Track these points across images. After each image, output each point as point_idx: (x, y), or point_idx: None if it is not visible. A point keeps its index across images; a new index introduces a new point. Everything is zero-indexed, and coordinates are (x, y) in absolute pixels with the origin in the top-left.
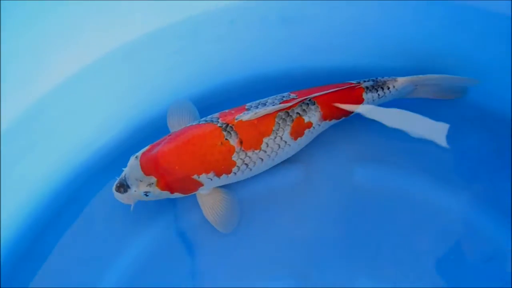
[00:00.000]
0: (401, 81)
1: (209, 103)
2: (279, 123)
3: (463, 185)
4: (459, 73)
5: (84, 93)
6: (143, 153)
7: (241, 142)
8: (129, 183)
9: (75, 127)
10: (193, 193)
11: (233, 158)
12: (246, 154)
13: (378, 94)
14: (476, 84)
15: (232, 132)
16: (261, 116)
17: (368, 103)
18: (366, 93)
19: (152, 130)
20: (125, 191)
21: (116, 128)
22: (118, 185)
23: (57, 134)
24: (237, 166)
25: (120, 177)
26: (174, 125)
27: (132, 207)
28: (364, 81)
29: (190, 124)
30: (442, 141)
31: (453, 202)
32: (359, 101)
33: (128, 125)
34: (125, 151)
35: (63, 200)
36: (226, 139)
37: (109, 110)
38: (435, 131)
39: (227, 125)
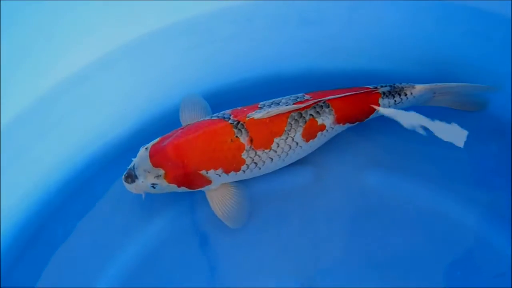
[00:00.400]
0: (419, 88)
1: (222, 100)
2: (291, 124)
3: (475, 196)
4: (478, 82)
5: (98, 84)
6: (153, 145)
7: (251, 141)
8: (137, 173)
9: (89, 117)
10: (200, 189)
11: (242, 156)
12: (256, 153)
13: (395, 100)
14: (496, 95)
15: (243, 130)
16: (273, 116)
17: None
18: (383, 98)
19: (165, 124)
20: (133, 181)
21: (129, 120)
22: (126, 175)
23: (70, 123)
24: (246, 164)
25: (129, 167)
26: (186, 119)
27: (143, 196)
28: (381, 86)
29: (202, 119)
30: (459, 143)
31: (465, 214)
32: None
33: (141, 117)
34: (137, 143)
35: (74, 188)
36: (236, 136)
37: (122, 102)
38: (453, 134)
39: (238, 122)
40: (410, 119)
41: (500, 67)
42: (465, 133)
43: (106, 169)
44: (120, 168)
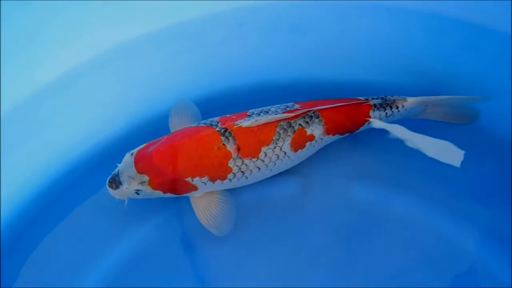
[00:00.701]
0: (410, 101)
1: (213, 107)
2: (279, 133)
3: (463, 210)
4: (470, 95)
5: (86, 86)
6: (139, 151)
7: (238, 149)
8: (121, 179)
9: (76, 119)
10: (185, 195)
11: (229, 164)
12: (243, 161)
13: (386, 113)
14: (487, 109)
15: (230, 138)
16: (262, 124)
17: None
18: (374, 111)
19: (153, 129)
20: (117, 187)
21: (116, 124)
22: (111, 180)
23: (57, 124)
24: (233, 173)
25: (114, 172)
26: (175, 126)
27: (126, 203)
28: (373, 99)
29: (190, 125)
30: (456, 162)
31: (454, 228)
32: (366, 118)
33: (129, 122)
34: (125, 147)
35: (59, 190)
36: (223, 144)
37: (110, 105)
38: (448, 153)
39: (226, 130)
40: (401, 135)
41: (492, 80)
42: (461, 152)
43: (92, 172)
44: (107, 172)
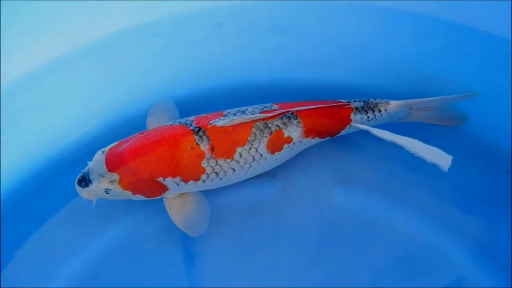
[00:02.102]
0: (394, 104)
1: (193, 107)
2: (255, 134)
3: (443, 216)
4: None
5: (59, 82)
6: (110, 149)
7: (212, 149)
8: (91, 177)
9: (48, 117)
10: (157, 198)
11: (202, 165)
12: (216, 162)
13: (368, 116)
14: (474, 113)
15: (204, 137)
16: (237, 124)
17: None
18: (355, 113)
19: (131, 130)
20: (86, 185)
21: (92, 123)
22: (80, 178)
23: (28, 122)
24: (207, 173)
25: (84, 170)
26: (152, 125)
27: (94, 203)
28: (355, 101)
29: (165, 124)
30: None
31: (434, 234)
32: (347, 121)
33: (106, 121)
34: (100, 148)
35: (29, 191)
36: (197, 143)
37: (86, 103)
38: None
39: (200, 129)
40: (385, 137)
41: (477, 82)
42: (449, 158)
43: (64, 172)
44: (78, 171)
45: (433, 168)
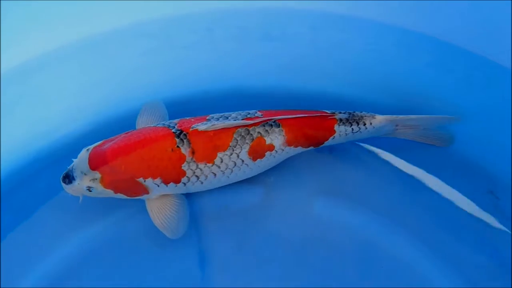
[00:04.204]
0: (379, 119)
1: (183, 109)
2: (237, 140)
3: (427, 235)
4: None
5: (50, 76)
6: (95, 147)
7: (193, 152)
8: (74, 174)
9: (39, 109)
10: (139, 197)
11: (183, 167)
12: (197, 165)
13: (352, 129)
14: (461, 132)
15: (185, 140)
16: (219, 129)
17: (340, 136)
18: (339, 125)
19: (119, 128)
20: (70, 182)
21: (83, 119)
22: (64, 175)
23: (17, 114)
24: (187, 176)
25: (69, 167)
26: (141, 125)
27: (80, 200)
28: (340, 113)
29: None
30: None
31: (415, 253)
32: (330, 133)
33: (94, 119)
34: (87, 145)
35: (13, 184)
36: (177, 146)
37: (77, 99)
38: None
39: (181, 132)
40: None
41: (463, 100)
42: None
43: (49, 168)
44: (65, 169)
45: (416, 183)
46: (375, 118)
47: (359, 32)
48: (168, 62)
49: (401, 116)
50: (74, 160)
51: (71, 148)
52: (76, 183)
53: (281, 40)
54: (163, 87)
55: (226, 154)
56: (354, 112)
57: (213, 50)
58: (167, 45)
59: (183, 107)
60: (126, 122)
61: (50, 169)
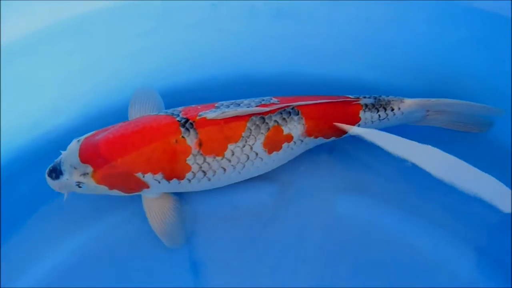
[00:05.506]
0: (408, 103)
1: (180, 100)
2: (251, 129)
3: (455, 228)
4: (481, 100)
5: (32, 62)
6: (86, 138)
7: (200, 144)
8: (62, 168)
9: (20, 102)
10: (136, 194)
11: (187, 161)
12: (204, 159)
13: (379, 115)
14: (503, 117)
15: (191, 130)
16: (230, 118)
17: (365, 123)
18: (364, 111)
19: (112, 122)
20: (57, 177)
21: (69, 112)
22: (51, 169)
23: None
24: (192, 172)
25: (56, 161)
26: (135, 116)
27: (65, 198)
28: (364, 97)
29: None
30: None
31: (441, 249)
32: (355, 120)
33: (83, 111)
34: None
35: None
36: (182, 136)
37: (62, 89)
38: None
39: (187, 120)
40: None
41: (505, 81)
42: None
43: (34, 166)
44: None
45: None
46: (403, 102)
47: (383, 6)
48: (167, 45)
49: (433, 100)
50: (62, 152)
51: (56, 145)
52: (64, 178)
53: (294, 18)
54: (160, 73)
55: (238, 146)
56: (380, 96)
57: (218, 31)
58: (166, 25)
59: (184, 97)
60: (119, 115)
61: (32, 169)
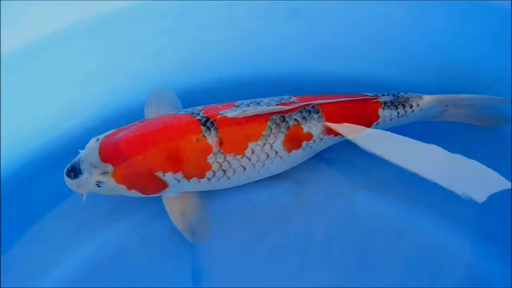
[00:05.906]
0: (427, 99)
1: (197, 100)
2: (271, 128)
3: (471, 225)
4: (499, 95)
5: (47, 66)
6: (106, 136)
7: (220, 143)
8: (82, 167)
9: (36, 103)
10: (155, 195)
11: (208, 160)
12: (225, 157)
13: (398, 113)
14: None
15: (212, 129)
16: (251, 117)
17: (384, 121)
18: (383, 109)
19: (129, 123)
20: (76, 176)
21: (84, 114)
22: (69, 168)
23: (11, 109)
24: (212, 170)
25: (74, 160)
26: (152, 115)
27: (84, 198)
28: (383, 95)
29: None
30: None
31: (458, 244)
32: (374, 118)
33: (100, 112)
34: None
35: (9, 190)
36: (203, 135)
37: (79, 90)
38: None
39: (208, 119)
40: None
41: None
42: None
43: (50, 169)
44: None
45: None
46: (422, 98)
47: (401, 2)
48: (183, 45)
49: (451, 96)
50: (81, 151)
51: (73, 147)
52: (83, 177)
53: (312, 17)
54: (177, 74)
55: (259, 145)
56: (399, 93)
57: (235, 30)
58: (182, 25)
59: (200, 97)
60: (136, 116)
61: (49, 172)
